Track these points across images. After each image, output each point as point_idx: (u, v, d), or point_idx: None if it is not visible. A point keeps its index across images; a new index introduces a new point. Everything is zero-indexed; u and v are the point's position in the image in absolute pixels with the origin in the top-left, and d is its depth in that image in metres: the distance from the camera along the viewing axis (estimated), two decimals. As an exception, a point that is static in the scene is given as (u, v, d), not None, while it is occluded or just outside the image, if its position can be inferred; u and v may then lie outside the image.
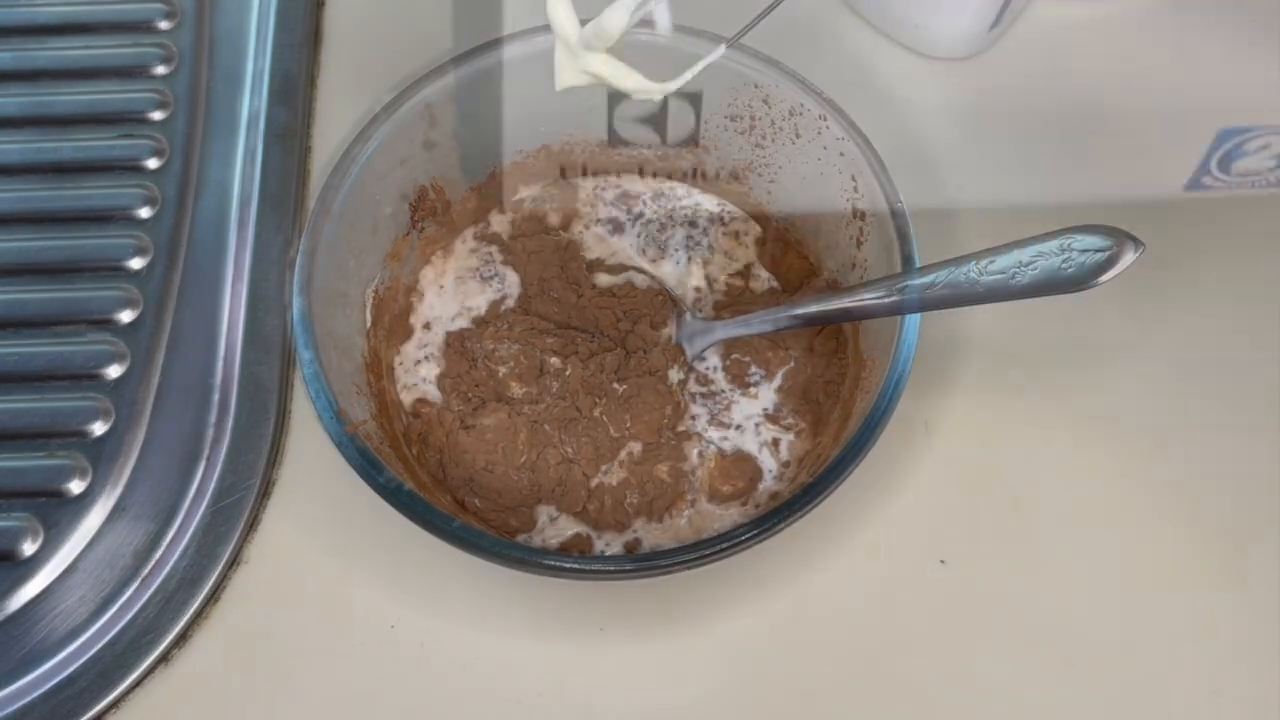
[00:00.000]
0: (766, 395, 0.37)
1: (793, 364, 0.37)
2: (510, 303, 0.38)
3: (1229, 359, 0.39)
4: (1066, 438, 0.37)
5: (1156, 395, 0.38)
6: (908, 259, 0.33)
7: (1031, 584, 0.35)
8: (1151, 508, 0.36)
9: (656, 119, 0.38)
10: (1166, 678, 0.34)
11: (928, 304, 0.31)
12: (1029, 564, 0.35)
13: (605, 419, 0.36)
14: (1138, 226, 0.30)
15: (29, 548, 0.35)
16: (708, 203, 0.40)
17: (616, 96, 0.37)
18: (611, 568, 0.30)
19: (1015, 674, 0.34)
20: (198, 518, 0.36)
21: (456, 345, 0.37)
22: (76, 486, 0.36)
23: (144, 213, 0.41)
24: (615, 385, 0.36)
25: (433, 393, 0.37)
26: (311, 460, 0.37)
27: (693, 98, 0.38)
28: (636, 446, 0.36)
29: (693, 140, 0.39)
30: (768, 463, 0.36)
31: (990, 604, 0.35)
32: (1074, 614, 0.35)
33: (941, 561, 0.35)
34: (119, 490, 0.36)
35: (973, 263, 0.31)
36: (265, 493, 0.36)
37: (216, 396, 0.37)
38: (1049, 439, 0.37)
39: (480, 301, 0.39)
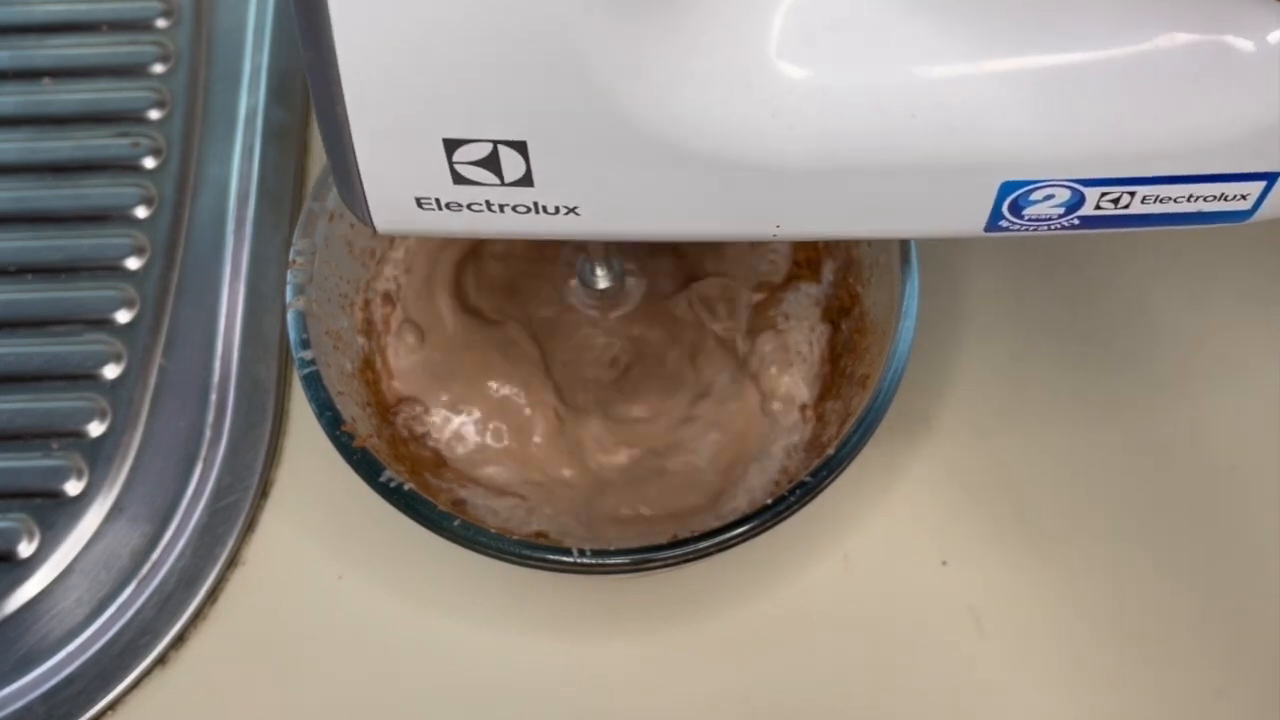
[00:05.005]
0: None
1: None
2: None
3: (1231, 360, 0.39)
4: (1071, 436, 0.37)
5: (1162, 394, 0.38)
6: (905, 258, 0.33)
7: (1033, 584, 0.35)
8: (1154, 508, 0.36)
9: None
10: (1167, 678, 0.34)
11: None
12: (1031, 564, 0.35)
13: None
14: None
15: (26, 549, 0.35)
16: None
17: None
18: (610, 562, 0.30)
19: (1016, 674, 0.34)
20: (195, 518, 0.35)
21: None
22: (73, 487, 0.36)
23: (141, 212, 0.40)
24: None
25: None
26: (310, 461, 0.37)
27: None
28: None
29: None
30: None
31: (992, 605, 0.35)
32: (1075, 614, 0.35)
33: (943, 563, 0.35)
34: (116, 491, 0.36)
35: None
36: (263, 493, 0.36)
37: (214, 396, 0.37)
38: (1053, 437, 0.37)
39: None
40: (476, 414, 0.35)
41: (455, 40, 0.22)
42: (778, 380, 0.36)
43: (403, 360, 0.36)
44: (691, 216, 0.26)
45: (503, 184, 0.25)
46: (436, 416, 0.36)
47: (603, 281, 0.36)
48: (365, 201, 0.26)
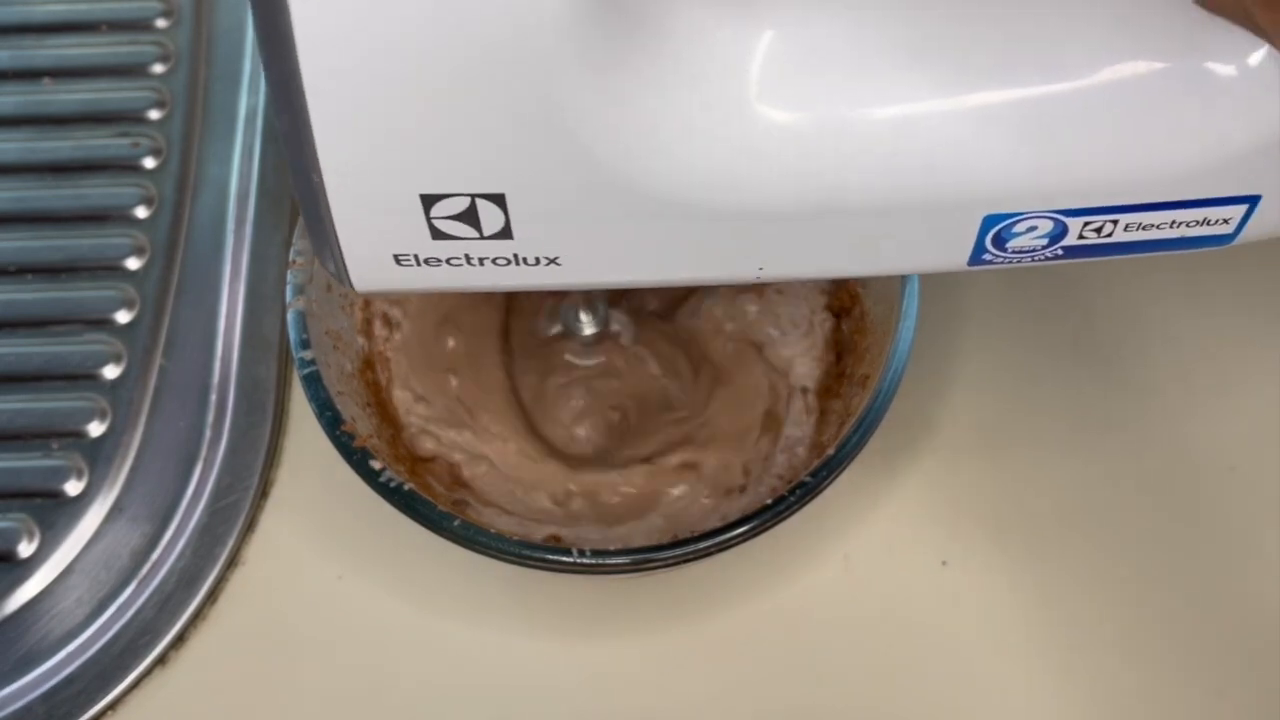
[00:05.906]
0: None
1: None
2: None
3: (1230, 358, 0.39)
4: (1071, 436, 0.37)
5: (1162, 394, 0.38)
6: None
7: (1033, 585, 0.35)
8: (1154, 507, 0.36)
9: None
10: (1167, 678, 0.34)
11: None
12: (1031, 564, 0.35)
13: None
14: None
15: (26, 549, 0.35)
16: None
17: None
18: (610, 562, 0.30)
19: (1016, 675, 0.34)
20: (195, 518, 0.35)
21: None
22: (73, 487, 0.36)
23: (141, 212, 0.40)
24: None
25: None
26: (310, 461, 0.37)
27: None
28: None
29: None
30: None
31: (992, 605, 0.35)
32: (1076, 615, 0.35)
33: (943, 563, 0.35)
34: (116, 491, 0.36)
35: None
36: (263, 493, 0.36)
37: (214, 397, 0.37)
38: (1054, 437, 0.37)
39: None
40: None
41: (430, 95, 0.22)
42: (777, 349, 0.36)
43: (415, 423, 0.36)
44: (674, 262, 0.26)
45: (482, 237, 0.25)
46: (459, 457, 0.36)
47: (588, 328, 0.36)
48: (343, 261, 0.25)
